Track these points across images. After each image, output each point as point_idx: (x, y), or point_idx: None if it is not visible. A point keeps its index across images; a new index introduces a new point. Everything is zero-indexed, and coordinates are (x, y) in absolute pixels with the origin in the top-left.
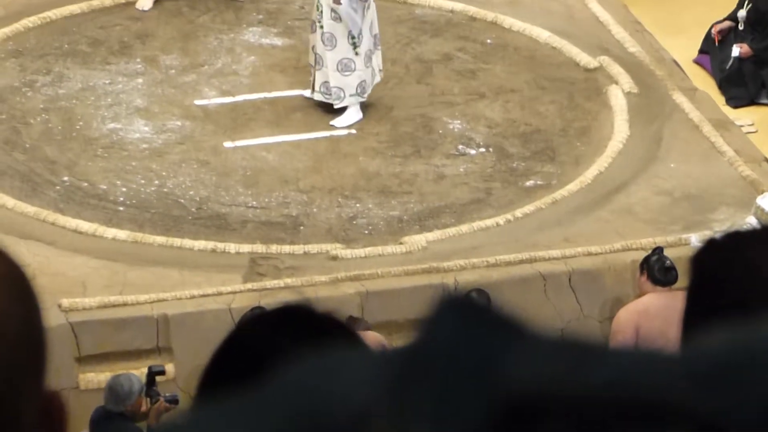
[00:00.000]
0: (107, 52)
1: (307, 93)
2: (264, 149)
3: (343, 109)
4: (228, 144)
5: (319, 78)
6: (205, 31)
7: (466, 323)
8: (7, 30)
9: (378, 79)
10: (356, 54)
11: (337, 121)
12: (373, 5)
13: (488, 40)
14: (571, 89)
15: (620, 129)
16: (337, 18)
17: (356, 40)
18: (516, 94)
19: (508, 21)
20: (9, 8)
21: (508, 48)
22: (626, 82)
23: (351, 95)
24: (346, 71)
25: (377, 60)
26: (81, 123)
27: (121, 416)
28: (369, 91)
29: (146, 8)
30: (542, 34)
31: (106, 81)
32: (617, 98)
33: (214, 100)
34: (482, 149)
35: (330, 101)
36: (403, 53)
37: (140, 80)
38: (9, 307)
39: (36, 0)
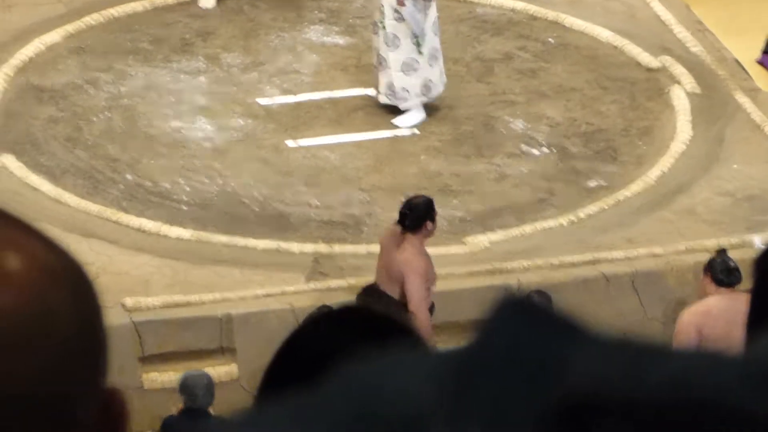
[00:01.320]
0: (169, 50)
1: (370, 92)
2: (326, 148)
3: (406, 109)
4: (290, 143)
5: (383, 79)
6: (266, 30)
7: (526, 325)
8: (69, 27)
9: (445, 79)
10: (420, 53)
11: (400, 121)
12: (434, 4)
13: (549, 39)
14: (632, 89)
15: (683, 129)
16: (400, 18)
17: (419, 39)
18: (577, 93)
19: (569, 20)
20: (71, 5)
21: (569, 47)
22: (688, 82)
23: (416, 95)
24: (410, 71)
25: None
26: (143, 121)
27: (200, 413)
28: (437, 92)
29: (209, 6)
30: (603, 34)
31: (168, 79)
32: (679, 98)
33: (276, 98)
34: (544, 149)
35: (395, 103)
36: (464, 52)
37: (202, 78)
38: (64, 304)
39: None
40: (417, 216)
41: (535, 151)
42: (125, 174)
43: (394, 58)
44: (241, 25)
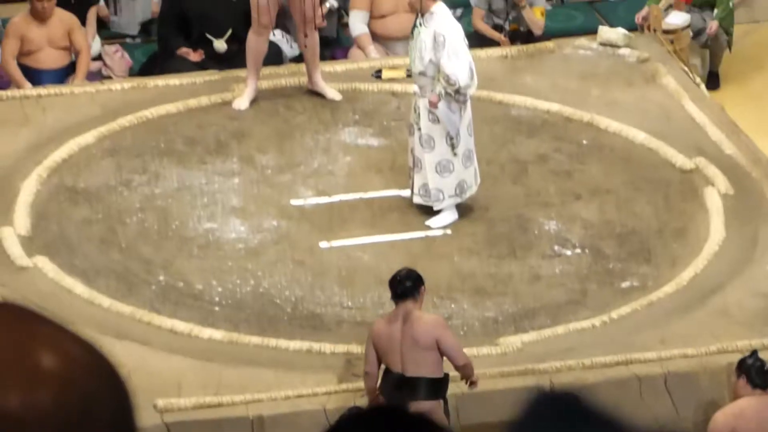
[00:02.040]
0: (204, 152)
1: (404, 193)
2: (359, 249)
3: (439, 210)
4: (324, 244)
5: (417, 180)
6: (301, 131)
7: None
8: (103, 129)
9: (479, 180)
10: (454, 155)
11: (433, 222)
12: (469, 105)
13: (584, 141)
14: (667, 190)
15: (716, 230)
16: (435, 119)
17: (454, 140)
18: (612, 194)
19: (604, 122)
20: (106, 107)
21: (604, 149)
22: (722, 183)
23: (450, 196)
24: (445, 172)
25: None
26: (177, 222)
27: None
28: (471, 193)
29: (243, 107)
30: (638, 135)
31: (203, 180)
32: (713, 200)
33: (310, 199)
34: (578, 250)
35: (429, 203)
36: (498, 153)
37: (236, 180)
38: (98, 401)
39: (133, 99)
40: (415, 278)
41: (569, 252)
42: (158, 275)
43: (429, 159)
44: (276, 127)
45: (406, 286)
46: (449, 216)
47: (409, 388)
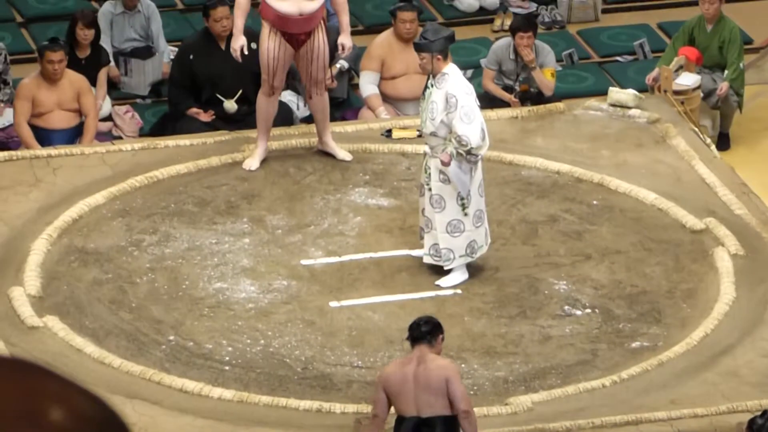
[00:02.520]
0: (214, 212)
1: (414, 253)
2: (369, 309)
3: (450, 270)
4: (334, 304)
5: (428, 240)
6: (311, 192)
7: None
8: (114, 189)
9: (489, 240)
10: (465, 215)
11: (443, 282)
12: (480, 166)
13: (594, 202)
14: (677, 251)
15: (726, 291)
16: (446, 180)
17: (465, 201)
18: (622, 255)
19: (615, 182)
20: (117, 167)
21: (614, 209)
22: (732, 244)
23: (460, 256)
24: (456, 232)
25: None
26: (187, 282)
27: None
28: (481, 253)
29: (253, 168)
30: (649, 196)
31: (213, 241)
32: (723, 260)
33: (320, 260)
34: (588, 310)
35: (440, 263)
36: (508, 214)
37: (247, 240)
38: None
39: (143, 159)
40: (434, 324)
41: (579, 313)
42: (168, 335)
43: (440, 219)
44: (287, 188)
45: (422, 330)
46: (459, 276)
47: (428, 429)
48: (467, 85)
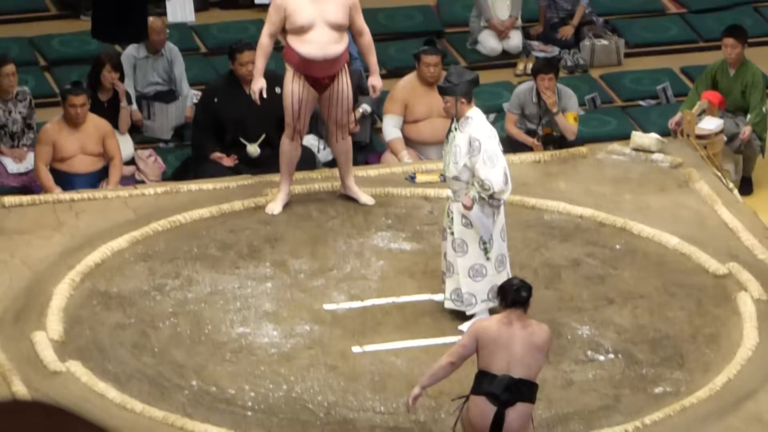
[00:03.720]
0: (236, 256)
1: (437, 298)
2: (392, 354)
3: (472, 314)
4: (356, 349)
5: (450, 285)
6: (334, 235)
7: None
8: (136, 233)
9: None
10: (487, 259)
11: (466, 326)
12: (503, 210)
13: (617, 246)
14: (700, 295)
15: (749, 336)
16: (468, 224)
17: (487, 245)
18: (645, 299)
19: (638, 227)
20: (139, 211)
21: (637, 253)
22: (755, 289)
23: (482, 301)
24: (478, 277)
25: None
26: (210, 327)
27: None
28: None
29: (276, 212)
30: (671, 240)
31: (235, 285)
32: (746, 305)
33: (342, 304)
34: (611, 355)
35: (462, 308)
36: (531, 258)
37: (269, 284)
38: None
39: (166, 203)
40: (530, 289)
41: (602, 357)
42: (191, 380)
43: (462, 263)
44: (309, 231)
45: (523, 295)
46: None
47: (518, 389)
48: (490, 129)
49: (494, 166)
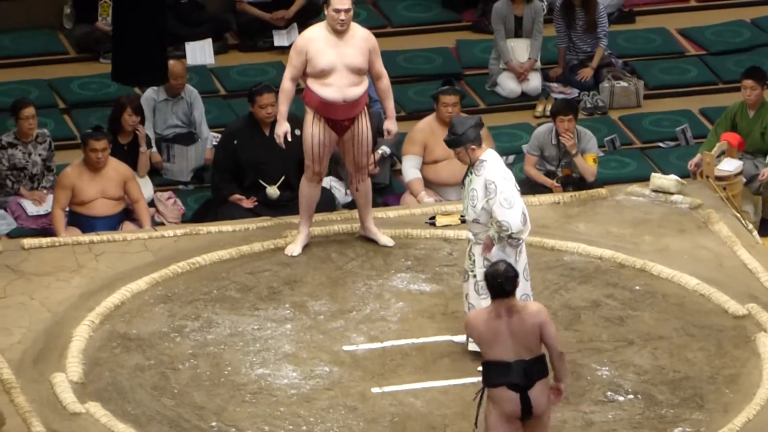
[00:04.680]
0: (256, 298)
1: (457, 339)
2: (412, 395)
3: None
4: (376, 390)
5: None
6: (353, 277)
7: None
8: (156, 275)
9: None
10: None
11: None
12: (524, 249)
13: (637, 287)
14: (719, 336)
15: None
16: (487, 255)
17: None
18: (664, 341)
19: (657, 268)
20: (158, 254)
21: (656, 295)
22: None
23: None
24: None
25: None
26: (229, 368)
27: None
28: None
29: (295, 253)
30: (691, 281)
31: (255, 326)
32: (766, 346)
33: (362, 345)
34: (630, 396)
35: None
36: (551, 300)
37: (289, 326)
38: None
39: (185, 245)
40: (513, 277)
41: (622, 398)
42: (211, 421)
43: (485, 306)
44: (329, 273)
45: (506, 289)
46: None
47: (533, 370)
48: (505, 170)
49: (511, 207)
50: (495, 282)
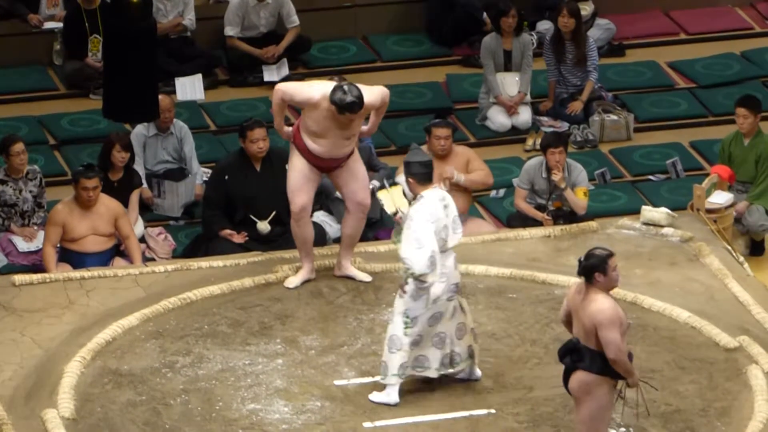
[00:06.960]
0: (247, 333)
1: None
2: (403, 429)
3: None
4: (367, 425)
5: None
6: (344, 312)
7: None
8: (147, 311)
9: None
10: (405, 335)
11: (374, 396)
12: (451, 307)
13: (628, 320)
14: (711, 369)
15: (761, 409)
16: (402, 295)
17: (409, 321)
18: (656, 373)
19: (648, 301)
20: (149, 290)
21: (647, 328)
22: (766, 362)
23: (392, 374)
24: (393, 348)
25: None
26: (221, 404)
27: None
28: (413, 373)
29: (291, 286)
30: (682, 314)
31: (246, 362)
32: (757, 378)
33: (353, 380)
34: (623, 429)
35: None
36: (542, 333)
37: (280, 361)
38: None
39: (176, 281)
40: (587, 266)
41: None
42: None
43: (389, 330)
44: (320, 308)
45: (581, 266)
46: (388, 396)
47: (578, 354)
48: (432, 214)
49: (420, 248)
50: (580, 260)
